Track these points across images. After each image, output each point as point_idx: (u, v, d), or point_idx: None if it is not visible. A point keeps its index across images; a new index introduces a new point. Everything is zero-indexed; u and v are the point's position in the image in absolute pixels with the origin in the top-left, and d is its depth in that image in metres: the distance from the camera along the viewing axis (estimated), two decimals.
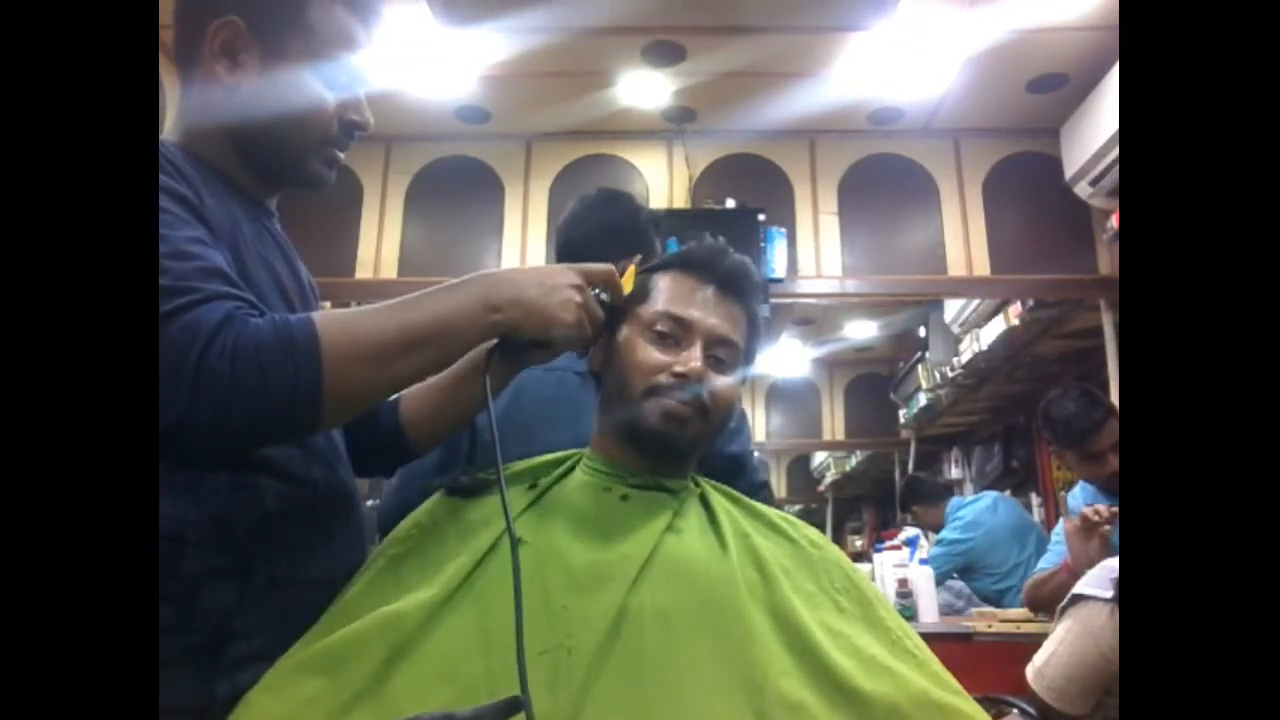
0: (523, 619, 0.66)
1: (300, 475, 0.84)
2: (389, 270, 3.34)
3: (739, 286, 0.92)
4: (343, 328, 0.72)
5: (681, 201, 3.39)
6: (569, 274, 0.82)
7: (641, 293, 0.91)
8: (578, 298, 0.80)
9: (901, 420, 5.63)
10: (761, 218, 3.21)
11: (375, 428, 0.97)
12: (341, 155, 0.91)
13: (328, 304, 3.80)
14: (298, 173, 0.90)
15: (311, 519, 0.84)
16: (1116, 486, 2.19)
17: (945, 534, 3.58)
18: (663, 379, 0.85)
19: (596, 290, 0.84)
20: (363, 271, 3.34)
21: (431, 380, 0.95)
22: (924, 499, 3.88)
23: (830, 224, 3.38)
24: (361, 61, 0.88)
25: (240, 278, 0.76)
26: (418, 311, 0.76)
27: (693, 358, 0.85)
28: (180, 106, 0.89)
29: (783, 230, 3.29)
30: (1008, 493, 3.99)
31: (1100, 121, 2.94)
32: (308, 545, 0.83)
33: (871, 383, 6.07)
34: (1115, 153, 2.90)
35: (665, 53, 2.94)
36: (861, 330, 5.25)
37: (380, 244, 3.35)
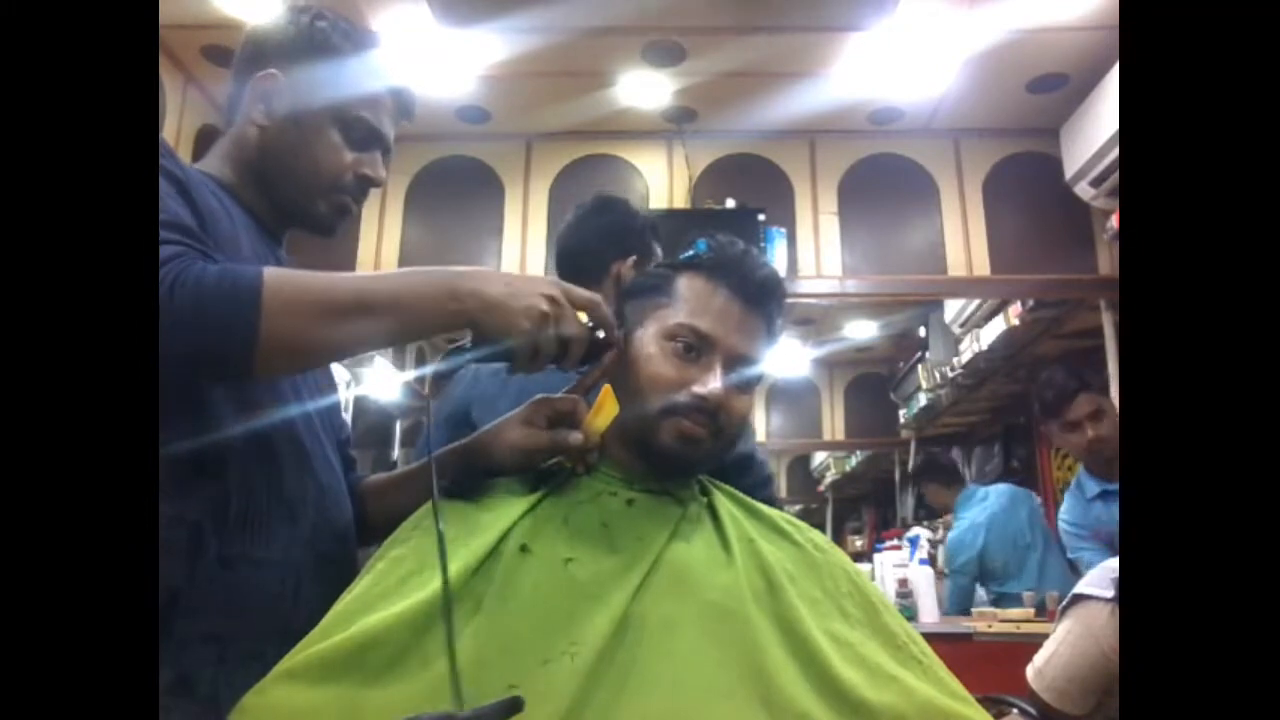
0: (453, 629, 0.66)
1: (268, 452, 0.84)
2: (389, 270, 3.33)
3: (766, 299, 0.89)
4: (293, 280, 0.73)
5: (681, 201, 3.39)
6: (546, 285, 0.79)
7: (664, 290, 0.89)
8: (544, 307, 0.77)
9: (901, 420, 5.63)
10: (761, 218, 3.21)
11: None
12: (353, 206, 0.98)
13: None
14: (306, 213, 0.97)
15: (274, 499, 0.84)
16: (1095, 457, 2.33)
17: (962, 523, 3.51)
18: (681, 398, 0.83)
19: (594, 326, 0.81)
20: (363, 271, 3.33)
21: (394, 476, 1.00)
22: (938, 478, 3.80)
23: (830, 224, 3.38)
24: (382, 125, 0.97)
25: None
26: (378, 281, 0.76)
27: (713, 379, 0.83)
28: (220, 141, 0.99)
29: (783, 230, 3.29)
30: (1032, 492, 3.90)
31: (1100, 121, 2.93)
32: (267, 525, 0.82)
33: (871, 383, 6.07)
34: (1115, 153, 2.90)
35: (665, 53, 2.94)
36: (861, 330, 5.25)
37: (380, 244, 3.35)
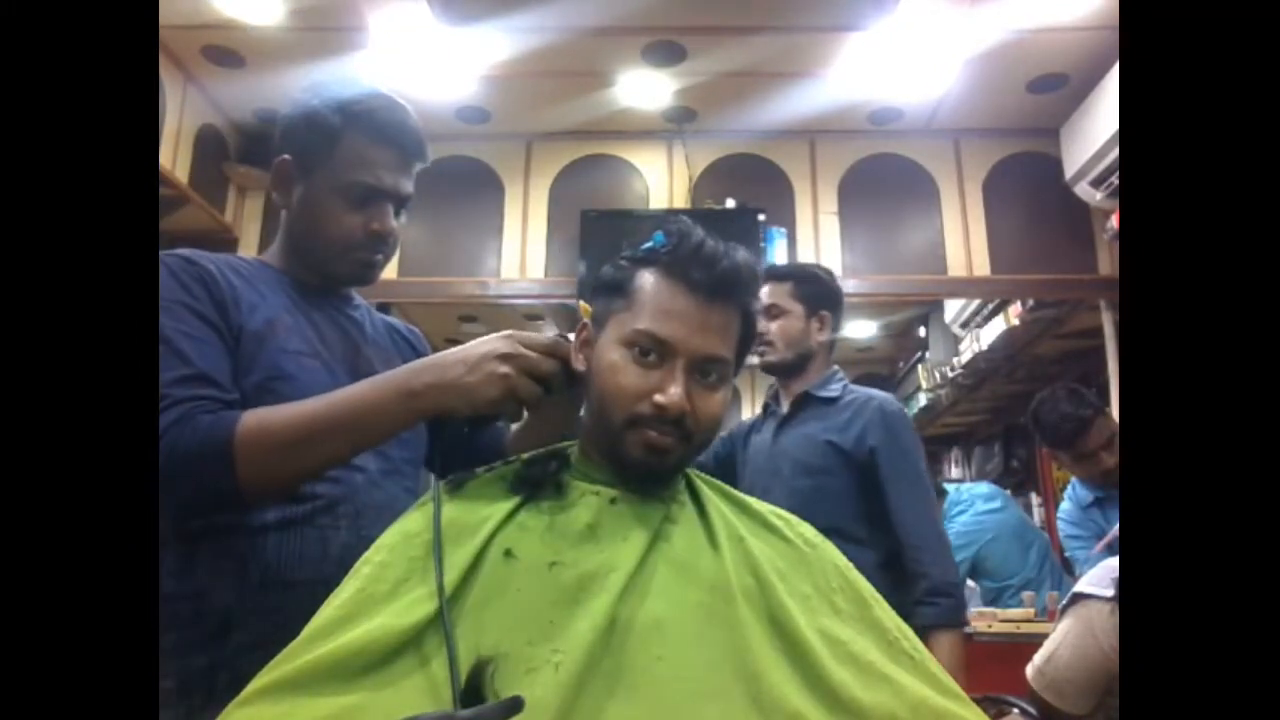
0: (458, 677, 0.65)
1: (303, 492, 0.93)
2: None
3: (730, 291, 0.83)
4: (259, 425, 0.84)
5: (681, 201, 3.39)
6: (500, 343, 0.85)
7: (623, 290, 0.85)
8: (502, 368, 0.83)
9: None
10: (761, 218, 3.21)
11: (474, 450, 1.01)
12: (374, 258, 1.05)
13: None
14: (332, 275, 1.06)
15: (306, 529, 0.94)
16: (1111, 483, 2.21)
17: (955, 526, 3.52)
18: (643, 409, 0.80)
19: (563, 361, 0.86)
20: None
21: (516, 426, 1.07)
22: None
23: (830, 224, 3.38)
24: (381, 181, 1.02)
25: (271, 347, 0.95)
26: (337, 403, 0.86)
27: (673, 386, 0.79)
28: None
29: (783, 230, 3.29)
30: (1008, 492, 3.93)
31: (1100, 121, 2.94)
32: (299, 552, 0.93)
33: (871, 383, 6.04)
34: (1115, 153, 2.90)
35: (665, 53, 2.94)
36: (861, 330, 5.25)
37: None
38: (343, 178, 1.01)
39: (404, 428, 0.89)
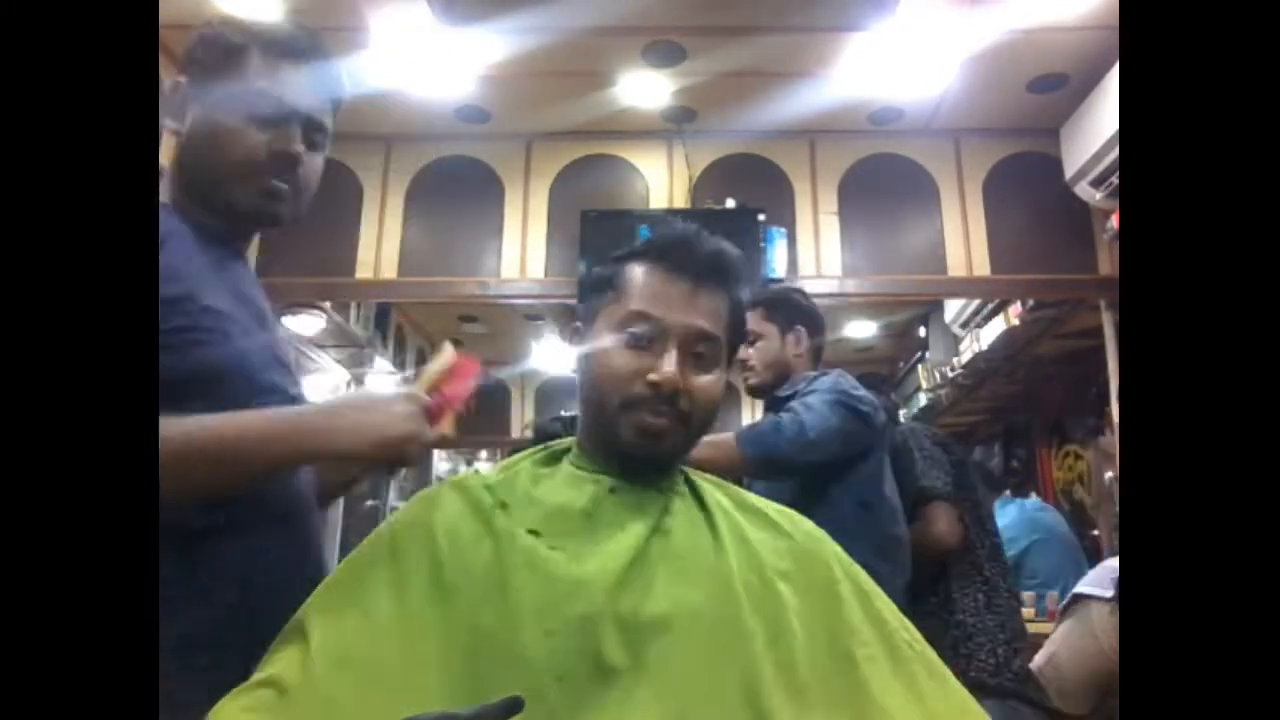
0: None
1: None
2: (389, 270, 3.33)
3: (716, 275, 0.85)
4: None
5: (681, 201, 3.39)
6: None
7: (611, 284, 0.86)
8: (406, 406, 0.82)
9: (901, 420, 5.61)
10: (761, 218, 3.21)
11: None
12: (282, 186, 0.93)
13: (327, 305, 3.77)
14: (232, 207, 0.93)
15: (243, 533, 0.88)
16: None
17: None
18: (637, 389, 0.80)
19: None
20: (363, 271, 3.33)
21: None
22: None
23: (830, 224, 3.38)
24: (284, 94, 0.92)
25: (196, 305, 0.84)
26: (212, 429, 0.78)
27: (667, 363, 0.80)
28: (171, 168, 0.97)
29: (783, 230, 3.29)
30: (1007, 493, 3.91)
31: (1100, 121, 2.93)
32: (299, 551, 0.92)
33: (872, 383, 6.05)
34: (1115, 153, 2.90)
35: (665, 53, 2.94)
36: (861, 330, 5.25)
37: (380, 244, 3.35)
38: (244, 93, 0.91)
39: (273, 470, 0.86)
